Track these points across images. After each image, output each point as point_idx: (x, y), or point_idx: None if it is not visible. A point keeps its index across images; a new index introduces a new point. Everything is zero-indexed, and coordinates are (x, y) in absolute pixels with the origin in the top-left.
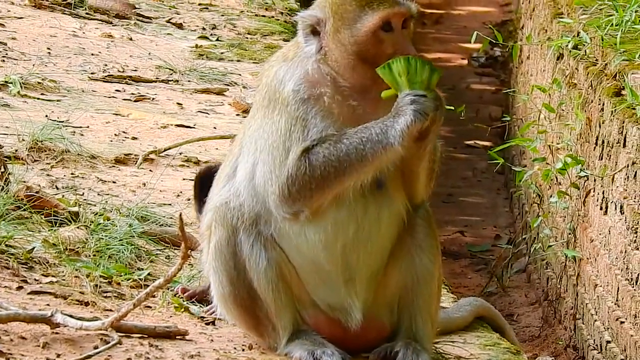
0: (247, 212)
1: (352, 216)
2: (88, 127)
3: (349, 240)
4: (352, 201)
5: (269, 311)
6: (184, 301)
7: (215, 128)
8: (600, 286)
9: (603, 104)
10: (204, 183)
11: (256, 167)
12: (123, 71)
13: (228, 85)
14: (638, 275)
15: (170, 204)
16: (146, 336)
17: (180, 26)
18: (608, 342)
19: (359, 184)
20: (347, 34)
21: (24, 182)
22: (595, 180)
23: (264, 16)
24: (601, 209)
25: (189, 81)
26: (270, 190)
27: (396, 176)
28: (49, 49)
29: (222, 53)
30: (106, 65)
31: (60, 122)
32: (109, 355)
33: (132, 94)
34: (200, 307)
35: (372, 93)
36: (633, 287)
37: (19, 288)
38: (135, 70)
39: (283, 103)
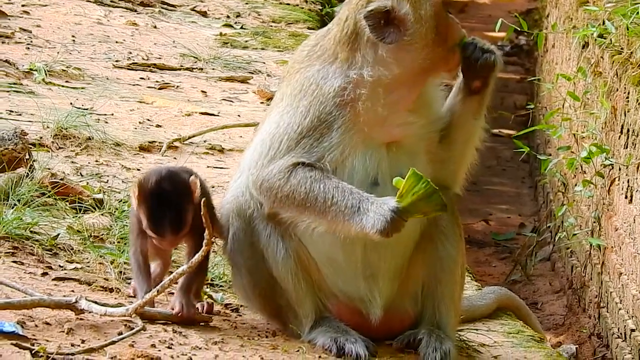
0: (261, 205)
1: None
2: (112, 114)
3: (369, 240)
4: None
5: (290, 299)
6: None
7: (239, 116)
8: (625, 274)
9: (628, 93)
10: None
11: (255, 147)
12: (147, 59)
13: (252, 73)
14: None
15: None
16: (170, 322)
17: (204, 14)
18: (632, 330)
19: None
20: (427, 8)
21: (49, 169)
22: (620, 168)
23: (288, 4)
24: (626, 197)
25: (213, 69)
26: (249, 171)
27: (421, 171)
28: (73, 36)
29: (246, 41)
30: (130, 53)
31: (84, 109)
32: (133, 341)
33: (157, 81)
34: (224, 293)
35: (411, 96)
36: None
37: (44, 274)
38: (160, 58)
39: (318, 98)
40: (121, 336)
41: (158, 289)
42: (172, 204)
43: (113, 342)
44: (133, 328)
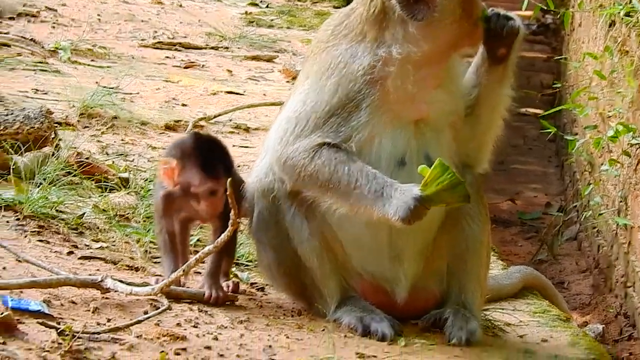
0: (284, 183)
1: None
2: (138, 93)
3: None
4: (396, 180)
5: (315, 278)
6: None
7: (265, 95)
8: None
9: None
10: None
11: (280, 124)
12: (173, 38)
13: (278, 52)
14: None
15: None
16: (196, 301)
17: None
18: None
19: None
20: None
21: (75, 148)
22: None
23: None
24: None
25: (238, 48)
26: (273, 148)
27: (448, 148)
28: (99, 15)
29: (271, 20)
30: (156, 32)
31: (110, 88)
32: (158, 320)
33: (182, 60)
34: (250, 272)
35: (438, 72)
36: None
37: (70, 253)
38: (185, 37)
39: (346, 77)
40: (147, 315)
41: (184, 268)
42: (215, 147)
43: (139, 322)
44: (159, 307)
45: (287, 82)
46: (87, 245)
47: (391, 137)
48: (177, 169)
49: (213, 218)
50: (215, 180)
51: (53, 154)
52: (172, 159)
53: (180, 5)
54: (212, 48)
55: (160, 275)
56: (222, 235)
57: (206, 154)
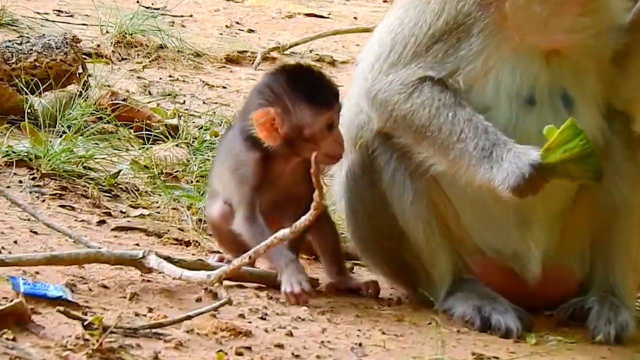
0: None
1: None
2: (191, 16)
3: None
4: (523, 123)
5: (420, 256)
6: None
7: (355, 18)
8: None
9: None
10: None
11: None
12: None
13: None
14: None
15: None
16: (264, 286)
17: None
18: None
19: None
20: None
21: (108, 86)
22: None
23: None
24: None
25: None
26: (364, 77)
27: (592, 90)
28: None
29: None
30: None
31: (155, 9)
32: (215, 311)
33: None
34: None
35: None
36: None
37: (101, 222)
38: None
39: None
40: (200, 310)
41: (250, 254)
42: (310, 73)
43: (189, 317)
44: (216, 294)
45: (384, 1)
46: (124, 213)
47: (511, 70)
48: (277, 116)
49: (337, 161)
50: (329, 109)
51: (80, 94)
52: (268, 108)
53: None
54: None
55: (218, 252)
56: (302, 219)
57: (307, 84)
